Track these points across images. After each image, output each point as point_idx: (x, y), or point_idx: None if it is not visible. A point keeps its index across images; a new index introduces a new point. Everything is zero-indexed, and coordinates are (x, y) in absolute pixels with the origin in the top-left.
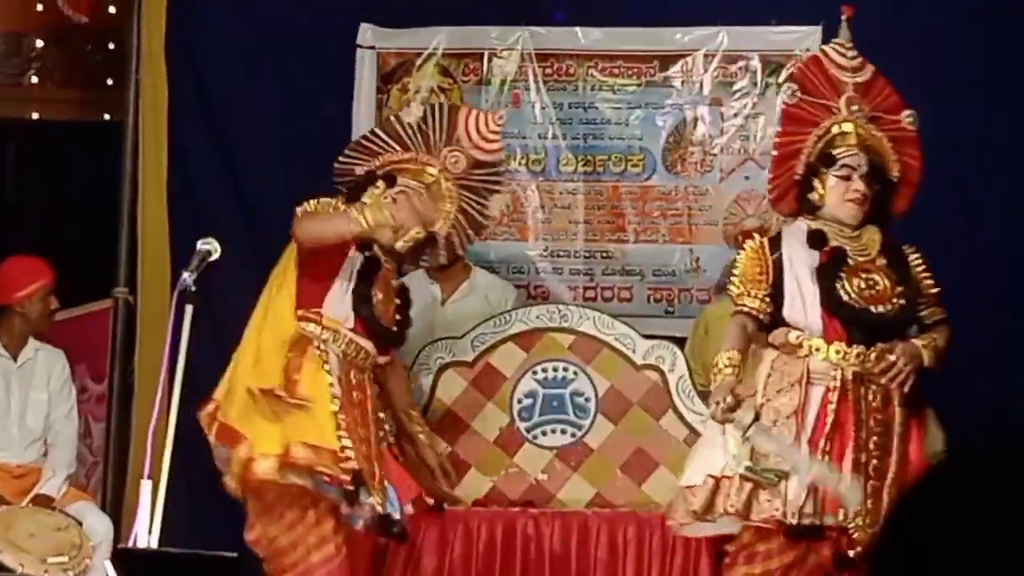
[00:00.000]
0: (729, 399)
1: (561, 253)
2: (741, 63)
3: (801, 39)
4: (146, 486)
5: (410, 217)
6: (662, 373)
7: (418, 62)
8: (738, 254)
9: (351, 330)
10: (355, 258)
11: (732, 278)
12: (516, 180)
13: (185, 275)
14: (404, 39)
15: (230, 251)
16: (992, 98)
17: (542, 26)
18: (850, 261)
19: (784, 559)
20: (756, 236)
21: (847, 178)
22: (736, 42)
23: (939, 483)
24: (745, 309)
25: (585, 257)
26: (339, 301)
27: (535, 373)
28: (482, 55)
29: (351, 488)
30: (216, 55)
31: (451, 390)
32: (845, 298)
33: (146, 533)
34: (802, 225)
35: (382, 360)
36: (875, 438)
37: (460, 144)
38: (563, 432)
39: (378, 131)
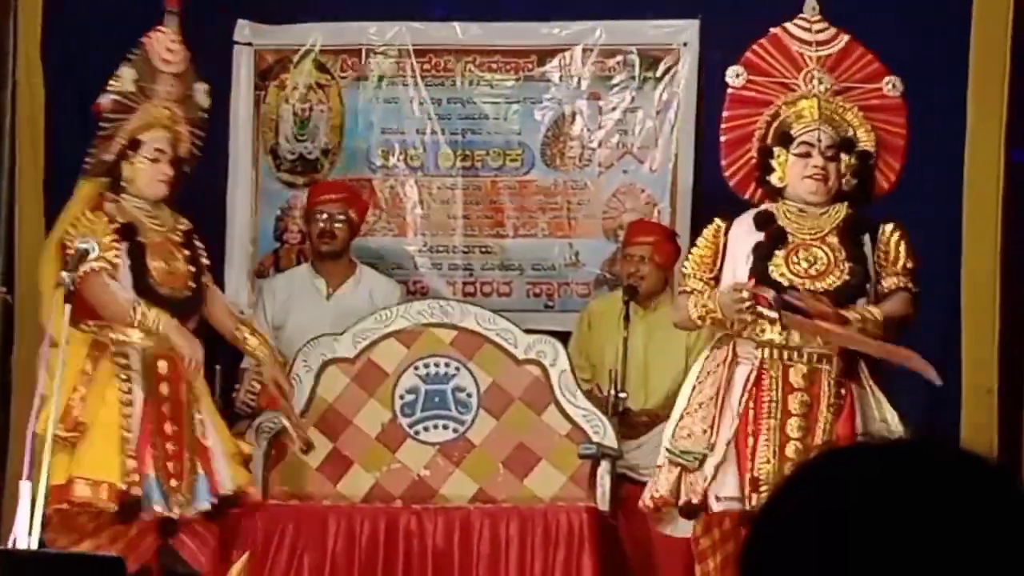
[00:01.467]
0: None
1: (440, 248)
2: (619, 57)
3: (678, 32)
4: (25, 487)
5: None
6: (544, 368)
7: (295, 58)
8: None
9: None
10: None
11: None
12: (395, 175)
13: (64, 274)
14: (281, 36)
15: None
16: None
17: (420, 21)
18: (790, 239)
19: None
20: (717, 219)
21: (806, 155)
22: (614, 36)
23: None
24: (688, 289)
25: (464, 252)
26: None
27: (417, 369)
28: (360, 51)
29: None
30: (92, 54)
31: (333, 387)
32: (775, 275)
33: (26, 534)
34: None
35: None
36: (796, 419)
37: (160, 71)
38: (445, 428)
39: (105, 115)
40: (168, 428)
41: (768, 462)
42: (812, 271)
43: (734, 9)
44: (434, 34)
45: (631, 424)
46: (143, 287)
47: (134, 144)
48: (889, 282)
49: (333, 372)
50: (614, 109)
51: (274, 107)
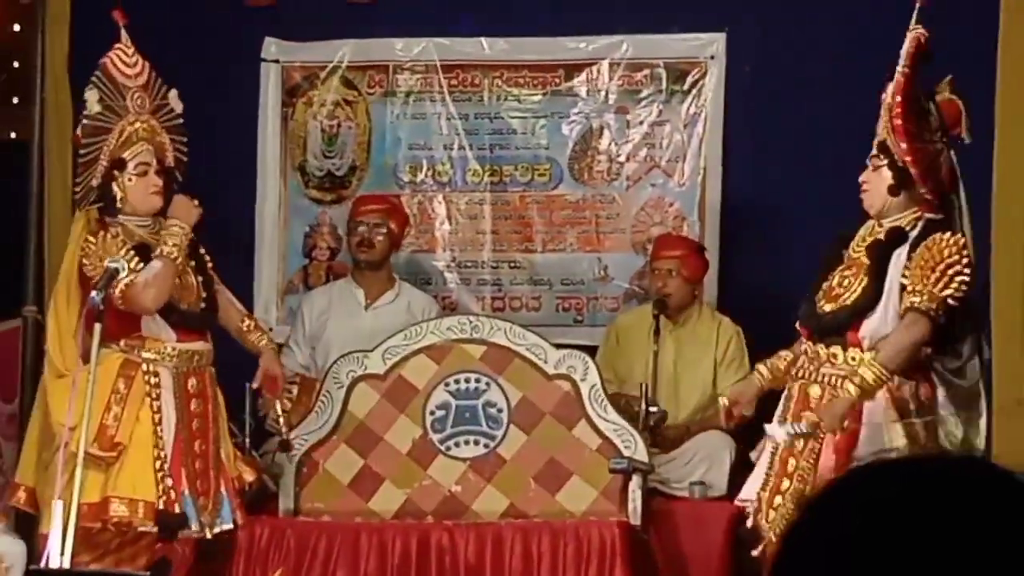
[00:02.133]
0: None
1: (469, 264)
2: (646, 71)
3: (705, 46)
4: (57, 506)
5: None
6: (574, 383)
7: (323, 75)
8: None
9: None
10: None
11: None
12: (423, 191)
13: (94, 293)
14: (309, 52)
15: None
16: None
17: (447, 37)
18: (844, 255)
19: None
20: None
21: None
22: (640, 50)
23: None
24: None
25: (493, 267)
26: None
27: (447, 385)
28: (387, 67)
29: (163, 531)
30: None
31: (363, 403)
32: (815, 296)
33: (58, 553)
34: None
35: (205, 346)
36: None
37: (125, 86)
38: (476, 443)
39: (83, 141)
40: (197, 446)
41: None
42: (839, 289)
43: (760, 22)
44: (461, 50)
45: (661, 437)
46: (165, 306)
47: (119, 164)
48: (905, 302)
49: (363, 389)
50: (641, 123)
51: (302, 124)
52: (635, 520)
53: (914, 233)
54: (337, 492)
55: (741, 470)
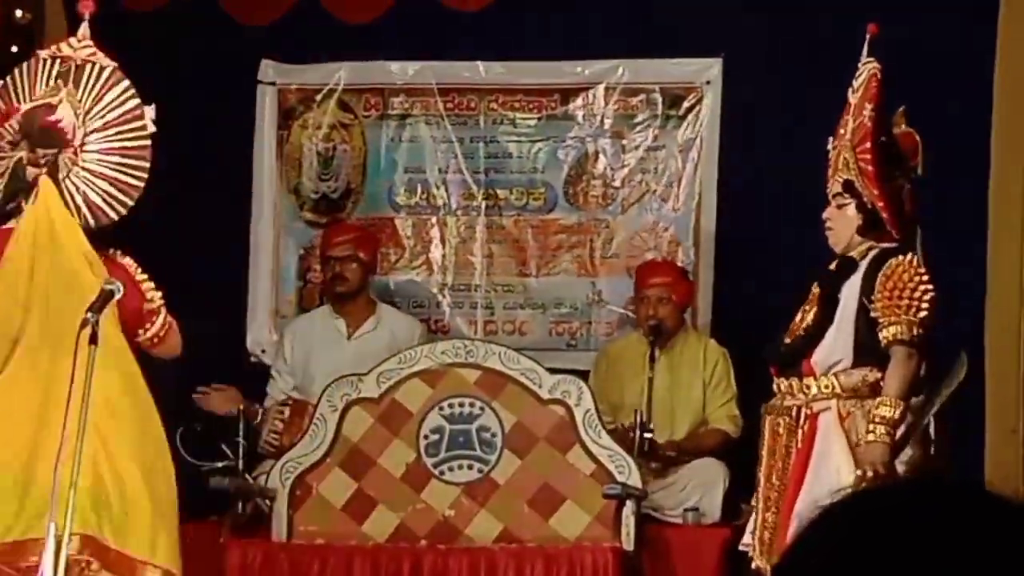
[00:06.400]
0: None
1: (462, 287)
2: (642, 96)
3: (701, 71)
4: (50, 528)
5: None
6: (568, 407)
7: (319, 97)
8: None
9: None
10: None
11: None
12: (417, 214)
13: (89, 315)
14: (305, 75)
15: None
16: None
17: (443, 60)
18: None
19: None
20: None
21: None
22: (636, 75)
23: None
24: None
25: (487, 291)
26: None
27: (441, 409)
28: (383, 90)
29: None
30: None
31: (357, 427)
32: (783, 335)
33: None
34: None
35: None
36: (777, 471)
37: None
38: (470, 468)
39: None
40: None
41: None
42: (798, 322)
43: (757, 48)
44: (457, 73)
45: (658, 458)
46: None
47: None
48: (885, 335)
49: (357, 412)
50: (637, 148)
51: (297, 146)
52: (628, 546)
53: (864, 261)
54: (330, 516)
55: (734, 496)
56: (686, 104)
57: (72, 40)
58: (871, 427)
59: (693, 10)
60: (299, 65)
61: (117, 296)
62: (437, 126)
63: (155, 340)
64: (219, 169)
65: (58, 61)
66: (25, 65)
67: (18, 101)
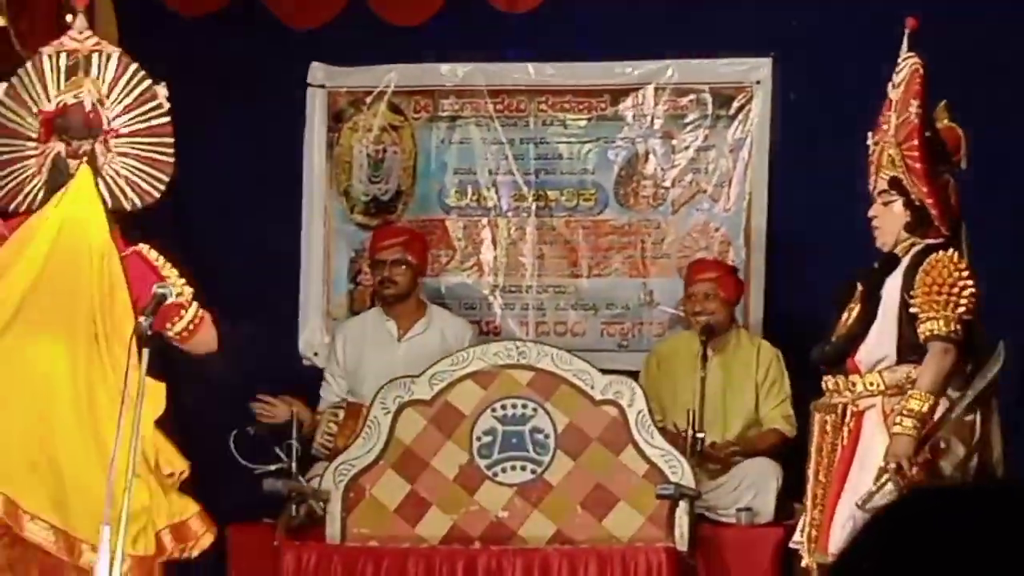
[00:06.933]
0: None
1: (513, 289)
2: (692, 96)
3: (751, 70)
4: (105, 531)
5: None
6: (621, 408)
7: (369, 100)
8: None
9: None
10: None
11: None
12: (468, 216)
13: (141, 319)
14: (355, 77)
15: None
16: None
17: (493, 62)
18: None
19: None
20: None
21: None
22: (686, 75)
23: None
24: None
25: (538, 292)
26: None
27: (494, 410)
28: (433, 92)
29: None
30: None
31: (410, 429)
32: (831, 335)
33: None
34: None
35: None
36: (824, 468)
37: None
38: (523, 469)
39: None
40: None
41: None
42: (845, 322)
43: (808, 47)
44: (507, 74)
45: (715, 459)
46: None
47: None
48: (922, 331)
49: (410, 414)
50: (687, 148)
51: (347, 149)
52: (682, 546)
53: (907, 257)
54: (384, 518)
55: (788, 496)
56: (736, 104)
57: (73, 33)
58: (898, 419)
59: (743, 9)
60: (349, 68)
61: (169, 300)
62: (487, 128)
63: (185, 334)
64: (270, 172)
65: (64, 55)
66: (30, 65)
67: (36, 104)
